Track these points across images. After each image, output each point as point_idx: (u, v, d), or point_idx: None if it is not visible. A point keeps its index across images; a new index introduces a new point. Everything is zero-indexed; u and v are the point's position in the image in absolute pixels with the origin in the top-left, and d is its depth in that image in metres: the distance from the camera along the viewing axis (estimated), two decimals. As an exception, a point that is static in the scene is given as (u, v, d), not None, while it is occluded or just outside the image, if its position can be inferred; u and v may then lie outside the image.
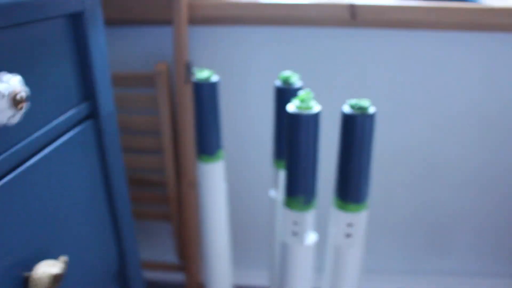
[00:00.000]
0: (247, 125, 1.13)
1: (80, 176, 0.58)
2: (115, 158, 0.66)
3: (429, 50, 1.04)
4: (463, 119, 1.11)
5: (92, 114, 0.62)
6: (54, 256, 0.51)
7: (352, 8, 0.96)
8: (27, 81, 0.46)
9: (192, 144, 1.07)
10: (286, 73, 0.69)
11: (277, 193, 0.77)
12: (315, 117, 0.53)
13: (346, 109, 0.54)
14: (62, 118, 0.54)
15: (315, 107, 0.53)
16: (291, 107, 0.54)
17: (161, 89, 1.00)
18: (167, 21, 1.00)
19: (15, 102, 0.40)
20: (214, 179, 0.77)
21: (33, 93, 0.47)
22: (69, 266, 0.54)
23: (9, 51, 0.44)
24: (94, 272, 0.63)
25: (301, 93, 0.53)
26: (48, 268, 0.47)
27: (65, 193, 0.54)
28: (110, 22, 1.01)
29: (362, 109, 0.53)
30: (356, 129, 0.53)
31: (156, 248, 1.31)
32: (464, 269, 1.29)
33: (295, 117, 0.53)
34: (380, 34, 1.03)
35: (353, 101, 0.53)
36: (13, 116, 0.41)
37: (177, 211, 1.14)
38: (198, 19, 1.01)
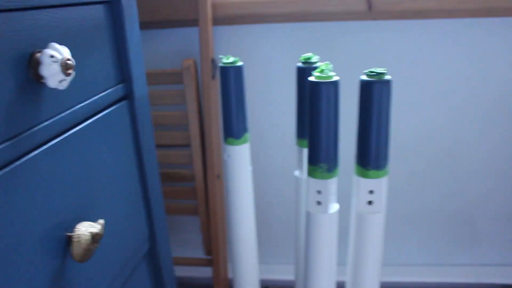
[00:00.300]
0: (270, 114, 1.17)
1: (115, 151, 0.63)
2: (147, 138, 0.71)
3: (444, 38, 1.07)
4: (481, 104, 1.12)
5: (127, 96, 0.66)
6: (92, 220, 0.55)
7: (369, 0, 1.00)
8: (73, 56, 0.51)
9: (218, 138, 1.12)
10: (307, 54, 0.73)
11: (302, 173, 0.81)
12: (335, 85, 0.56)
13: (364, 77, 0.58)
14: (101, 95, 0.59)
15: (335, 77, 0.57)
16: (312, 78, 0.58)
17: (188, 84, 1.05)
18: (193, 22, 1.06)
19: (65, 67, 0.45)
20: (240, 162, 0.81)
21: (77, 67, 0.52)
22: (104, 236, 0.58)
23: (58, 26, 0.49)
24: (126, 246, 0.67)
25: (321, 65, 0.57)
26: (88, 228, 0.51)
27: (102, 165, 0.59)
28: (140, 25, 1.07)
29: (379, 76, 0.56)
30: (373, 95, 0.57)
31: (184, 243, 1.35)
32: (488, 259, 1.29)
33: (315, 85, 0.56)
34: (396, 25, 1.06)
35: (370, 69, 0.57)
36: (63, 80, 0.46)
37: (205, 205, 1.18)
38: (221, 19, 1.07)
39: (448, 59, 1.09)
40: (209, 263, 1.25)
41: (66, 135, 0.51)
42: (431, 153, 1.18)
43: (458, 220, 1.25)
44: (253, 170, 1.14)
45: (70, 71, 0.46)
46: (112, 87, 0.62)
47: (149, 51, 1.13)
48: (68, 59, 0.45)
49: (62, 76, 0.45)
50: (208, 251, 1.24)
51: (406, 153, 1.19)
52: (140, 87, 0.69)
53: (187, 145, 1.13)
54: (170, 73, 1.07)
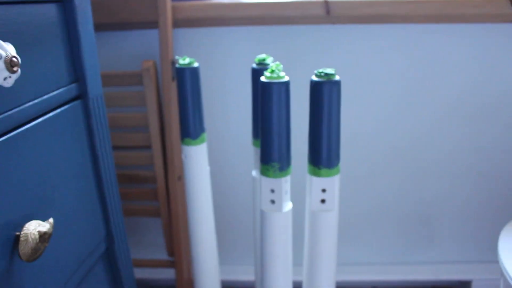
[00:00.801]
0: (227, 115, 1.18)
1: (69, 151, 0.62)
2: (103, 138, 0.70)
3: (398, 43, 1.10)
4: (449, 110, 1.16)
5: (81, 95, 0.66)
6: (42, 219, 0.54)
7: (327, 4, 1.02)
8: (20, 53, 0.50)
9: (179, 139, 1.11)
10: (261, 55, 0.74)
11: (259, 173, 0.81)
12: (285, 85, 0.57)
13: (314, 78, 0.59)
14: (52, 94, 0.58)
15: (285, 77, 0.58)
16: (263, 78, 0.59)
17: (148, 86, 1.05)
18: (152, 24, 1.06)
19: (10, 65, 0.45)
20: (197, 162, 0.81)
21: (25, 66, 0.52)
22: (56, 234, 0.57)
23: (4, 24, 0.48)
24: (81, 246, 0.66)
25: (271, 65, 0.58)
26: (37, 227, 0.50)
27: (54, 165, 0.58)
28: (98, 27, 1.06)
29: (328, 76, 0.58)
30: (323, 95, 0.58)
31: (146, 245, 1.34)
32: (446, 257, 1.33)
33: (266, 85, 0.57)
34: (354, 30, 1.09)
35: (320, 70, 0.58)
36: (8, 77, 0.45)
37: (167, 207, 1.17)
38: (180, 21, 1.07)
39: (403, 62, 1.12)
40: (171, 264, 1.24)
41: (14, 133, 0.50)
42: (387, 152, 1.21)
43: (415, 218, 1.28)
44: (212, 170, 1.15)
45: (15, 69, 0.45)
46: (64, 86, 0.61)
47: (108, 53, 1.12)
48: (14, 56, 0.45)
49: (6, 73, 0.45)
50: (171, 252, 1.23)
51: (361, 153, 1.21)
52: (95, 87, 0.68)
53: (148, 147, 1.13)
54: (130, 74, 1.06)
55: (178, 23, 1.07)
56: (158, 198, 1.16)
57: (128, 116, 1.11)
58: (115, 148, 1.15)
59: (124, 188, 1.18)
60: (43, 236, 0.50)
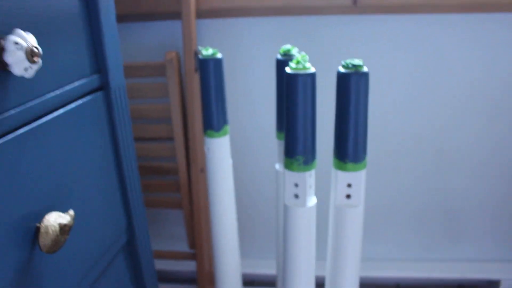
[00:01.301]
0: (251, 107, 1.17)
1: (90, 142, 0.61)
2: (125, 129, 0.70)
3: (430, 33, 1.06)
4: (471, 103, 1.12)
5: (103, 86, 0.65)
6: (63, 211, 0.54)
7: (353, -6, 0.99)
8: (41, 44, 0.50)
9: (201, 131, 1.10)
10: (286, 46, 0.72)
11: (282, 167, 0.80)
12: (311, 77, 0.56)
13: (340, 69, 0.57)
14: (73, 85, 0.58)
15: (311, 68, 0.56)
16: (288, 69, 0.57)
17: (171, 77, 1.04)
18: (175, 14, 1.05)
19: (31, 55, 0.44)
20: (220, 155, 0.80)
21: (46, 56, 0.51)
22: (77, 226, 0.57)
23: (25, 13, 0.47)
24: (102, 238, 0.65)
25: (297, 56, 0.56)
26: (57, 218, 0.50)
27: (76, 156, 0.57)
28: (121, 18, 1.06)
29: (356, 67, 0.55)
30: (350, 87, 0.56)
31: (168, 236, 1.34)
32: (478, 255, 1.29)
33: (292, 77, 0.56)
34: (381, 20, 1.05)
35: (347, 61, 0.56)
36: (29, 68, 0.44)
37: (189, 199, 1.17)
38: (204, 12, 1.05)
39: (434, 55, 1.08)
40: (193, 256, 1.24)
41: (35, 124, 0.49)
42: (416, 147, 1.18)
43: (441, 212, 1.25)
44: (235, 163, 1.13)
45: (36, 59, 0.44)
46: (86, 77, 0.61)
47: (131, 44, 1.12)
48: (34, 47, 0.44)
49: (27, 64, 0.44)
50: (192, 244, 1.23)
51: (383, 145, 1.18)
52: (117, 78, 0.67)
53: (170, 139, 1.12)
54: (152, 65, 1.05)
55: (201, 14, 1.06)
56: (180, 190, 1.16)
57: (150, 107, 1.10)
58: (137, 139, 1.15)
59: (146, 180, 1.19)
60: (63, 228, 0.49)
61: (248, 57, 1.12)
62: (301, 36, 1.09)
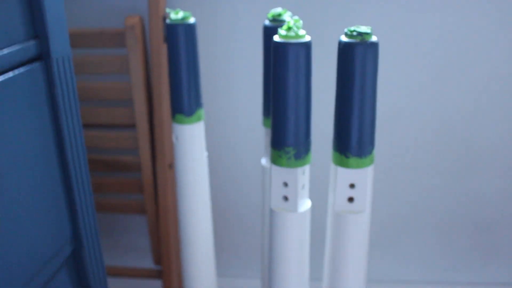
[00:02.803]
0: (233, 86, 1.15)
1: (24, 127, 0.60)
2: (70, 111, 0.68)
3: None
4: (501, 95, 1.12)
5: (41, 55, 0.64)
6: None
7: None
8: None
9: (170, 116, 1.09)
10: (276, 9, 0.71)
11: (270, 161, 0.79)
12: (305, 47, 0.54)
13: (343, 38, 0.56)
14: (2, 52, 0.56)
15: (306, 37, 0.55)
16: (277, 37, 0.56)
17: (133, 48, 1.02)
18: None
19: None
20: (192, 146, 0.79)
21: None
22: (5, 232, 0.55)
23: None
24: (39, 251, 0.64)
25: (289, 21, 0.55)
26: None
27: (4, 142, 0.56)
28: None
29: (362, 36, 0.54)
30: (355, 61, 0.55)
31: (128, 249, 1.33)
32: (508, 277, 1.30)
33: (280, 46, 0.54)
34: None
35: (351, 28, 0.55)
36: None
37: (154, 202, 1.16)
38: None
39: (459, 24, 1.07)
40: (158, 274, 1.23)
41: None
42: (438, 141, 1.17)
43: (468, 224, 1.25)
44: (211, 157, 1.13)
45: None
46: (18, 43, 0.59)
47: (84, 6, 1.10)
48: None
49: None
50: (158, 259, 1.22)
51: (397, 137, 1.17)
52: (60, 46, 0.66)
53: (132, 126, 1.11)
54: (109, 33, 1.03)
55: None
56: (143, 190, 1.15)
57: (107, 86, 1.08)
58: (90, 126, 1.13)
59: (100, 177, 1.17)
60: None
61: (229, 24, 1.10)
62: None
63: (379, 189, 1.20)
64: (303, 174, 0.62)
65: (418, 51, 1.10)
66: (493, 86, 1.12)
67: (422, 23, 1.08)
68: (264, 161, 0.81)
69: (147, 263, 1.26)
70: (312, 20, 1.06)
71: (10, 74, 0.57)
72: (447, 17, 1.07)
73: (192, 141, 0.79)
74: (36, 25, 0.62)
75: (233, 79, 1.15)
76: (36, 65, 0.62)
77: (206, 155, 0.81)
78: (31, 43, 0.61)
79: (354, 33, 0.55)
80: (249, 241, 1.29)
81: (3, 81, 0.56)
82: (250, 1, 1.08)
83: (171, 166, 1.13)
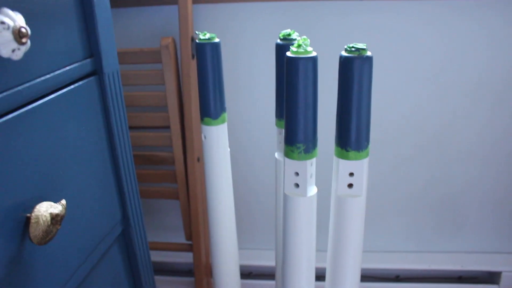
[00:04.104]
0: (250, 94, 1.15)
1: (83, 129, 0.60)
2: (119, 116, 0.68)
3: (436, 19, 1.04)
4: (476, 92, 1.10)
5: (96, 71, 0.64)
6: (55, 201, 0.52)
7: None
8: (30, 25, 0.48)
9: (198, 119, 1.09)
10: (286, 30, 0.70)
11: (282, 155, 0.78)
12: (313, 61, 0.54)
13: (343, 53, 0.55)
14: (65, 69, 0.56)
15: (313, 52, 0.55)
16: (289, 53, 0.55)
17: (167, 63, 1.02)
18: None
19: (19, 35, 0.42)
20: (217, 143, 0.78)
21: (36, 38, 0.49)
22: (69, 216, 0.56)
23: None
24: (96, 229, 0.64)
25: (298, 39, 0.55)
26: (48, 208, 0.48)
27: (68, 144, 0.56)
28: (116, 2, 1.04)
29: (359, 51, 0.54)
30: (353, 72, 0.54)
31: (164, 228, 1.33)
32: (479, 246, 1.28)
33: (292, 61, 0.54)
34: (386, 5, 1.03)
35: (350, 44, 0.54)
36: (17, 49, 0.43)
37: (185, 189, 1.16)
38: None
39: (440, 41, 1.06)
40: (189, 248, 1.23)
41: (24, 109, 0.48)
42: (417, 137, 1.17)
43: (443, 206, 1.24)
44: (233, 152, 1.12)
45: (24, 40, 0.43)
46: (78, 61, 0.59)
47: (126, 30, 1.10)
48: (22, 27, 0.42)
49: (15, 45, 0.42)
50: (189, 236, 1.22)
51: (391, 137, 1.17)
52: (110, 63, 0.66)
53: (166, 127, 1.11)
54: (148, 51, 1.03)
55: (197, -1, 1.04)
56: (176, 180, 1.15)
57: (146, 95, 1.08)
58: (133, 128, 1.13)
59: (142, 169, 1.17)
60: (55, 218, 0.48)
61: (246, 42, 1.10)
62: (302, 21, 1.07)
63: (372, 177, 1.19)
64: (311, 166, 0.61)
65: (406, 64, 1.09)
66: (462, 94, 1.11)
67: (412, 40, 1.07)
68: (277, 155, 0.81)
69: (181, 238, 1.26)
70: (318, 38, 1.06)
71: (71, 87, 0.57)
72: (433, 37, 1.06)
73: (217, 140, 0.78)
74: (91, 46, 0.62)
75: (250, 87, 1.15)
76: (91, 80, 0.62)
77: (229, 151, 0.80)
78: (88, 61, 0.61)
79: (353, 49, 0.54)
80: (265, 220, 1.29)
81: (66, 93, 0.56)
82: (264, 24, 1.08)
83: (199, 159, 1.13)
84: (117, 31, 1.10)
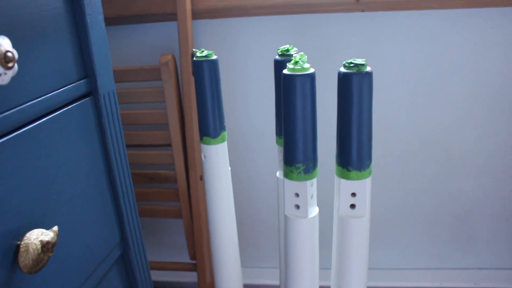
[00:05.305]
0: (251, 111, 1.14)
1: (78, 152, 0.59)
2: (116, 136, 0.67)
3: (435, 30, 1.03)
4: (479, 102, 1.08)
5: (91, 92, 0.63)
6: (47, 227, 0.51)
7: (356, -9, 0.96)
8: (19, 48, 0.47)
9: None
10: (285, 46, 0.69)
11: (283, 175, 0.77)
12: (310, 77, 0.52)
13: (342, 69, 0.54)
14: (58, 91, 0.55)
15: (310, 69, 0.53)
16: (285, 70, 0.54)
17: (167, 81, 1.01)
18: (171, 16, 1.02)
19: (4, 60, 0.41)
20: (217, 163, 0.77)
21: (25, 61, 0.48)
22: (64, 242, 0.55)
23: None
24: (93, 254, 0.63)
25: (295, 56, 0.53)
26: (39, 235, 0.47)
27: (62, 167, 0.55)
28: (114, 20, 1.03)
29: (358, 67, 0.52)
30: (352, 88, 0.53)
31: (168, 247, 1.31)
32: (492, 263, 1.25)
33: (289, 78, 0.53)
34: (384, 17, 1.02)
35: (349, 60, 0.53)
36: (3, 74, 0.42)
37: (188, 207, 1.14)
38: (200, 12, 1.03)
39: (440, 52, 1.05)
40: (194, 267, 1.21)
41: (14, 134, 0.47)
42: (426, 152, 1.15)
43: (455, 221, 1.21)
44: (235, 171, 1.11)
45: (10, 64, 0.42)
46: (72, 83, 0.58)
47: (125, 47, 1.09)
48: (8, 51, 0.41)
49: (1, 70, 0.41)
50: (193, 255, 1.20)
51: (389, 147, 1.15)
52: (106, 83, 0.65)
53: (168, 145, 1.10)
54: (148, 69, 1.03)
55: (197, 14, 1.03)
56: (179, 198, 1.13)
57: (147, 112, 1.08)
58: (134, 146, 1.12)
59: (144, 188, 1.16)
60: (46, 245, 0.47)
61: (247, 59, 1.09)
62: (301, 35, 1.06)
63: (377, 191, 1.17)
64: (311, 186, 0.60)
65: (404, 78, 1.08)
66: (465, 104, 1.09)
67: (413, 51, 1.05)
68: (278, 174, 0.79)
69: (185, 258, 1.24)
70: (315, 55, 1.05)
71: (65, 109, 0.56)
72: (428, 51, 1.05)
73: (217, 159, 0.77)
74: (86, 67, 0.62)
75: (250, 105, 1.14)
76: (87, 100, 0.61)
77: (229, 170, 0.79)
78: (82, 82, 0.61)
79: (351, 65, 0.53)
80: (270, 238, 1.27)
81: (60, 115, 0.55)
82: (262, 40, 1.07)
83: (202, 178, 1.11)
84: (116, 49, 1.10)
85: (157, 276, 1.32)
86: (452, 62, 1.05)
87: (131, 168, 1.11)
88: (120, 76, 1.04)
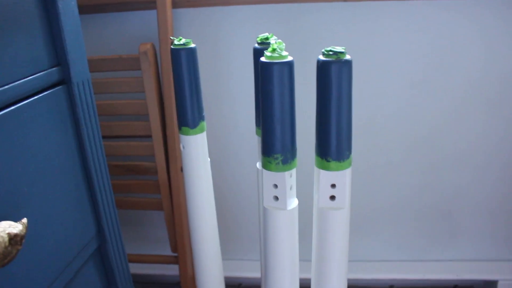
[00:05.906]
0: (231, 101, 1.13)
1: (50, 141, 0.57)
2: (91, 127, 0.66)
3: (420, 21, 1.02)
4: (470, 98, 1.08)
5: (64, 80, 0.61)
6: (18, 220, 0.50)
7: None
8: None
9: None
10: (264, 34, 0.68)
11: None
12: (288, 65, 0.51)
13: (321, 57, 0.53)
14: (29, 79, 0.54)
15: (288, 57, 0.52)
16: (263, 58, 0.53)
17: (146, 70, 1.00)
18: (150, 4, 1.00)
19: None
20: (196, 153, 0.76)
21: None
22: (35, 235, 0.53)
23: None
24: (68, 247, 0.62)
25: (273, 44, 0.52)
26: (6, 228, 0.46)
27: (33, 158, 0.53)
28: (92, 8, 1.01)
29: (337, 55, 0.52)
30: (331, 76, 0.52)
31: (150, 239, 1.30)
32: (475, 255, 1.26)
33: (266, 66, 0.51)
34: (367, 7, 1.02)
35: (328, 48, 0.52)
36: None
37: (169, 199, 1.13)
38: (181, 1, 1.01)
39: (426, 44, 1.04)
40: (175, 260, 1.20)
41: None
42: (404, 141, 1.14)
43: (436, 213, 1.22)
44: (215, 162, 1.10)
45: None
46: (43, 70, 0.57)
47: (104, 36, 1.07)
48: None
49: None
50: (175, 248, 1.19)
51: (375, 142, 1.15)
52: (80, 71, 0.63)
53: (148, 136, 1.08)
54: (126, 58, 1.01)
55: (178, 3, 1.02)
56: (160, 190, 1.12)
57: (126, 103, 1.06)
58: (114, 137, 1.11)
59: (124, 180, 1.15)
60: (14, 238, 0.45)
61: (228, 48, 1.08)
62: (283, 25, 1.05)
63: (363, 185, 1.17)
64: (290, 177, 0.59)
65: (389, 67, 1.07)
66: (455, 99, 1.09)
67: (399, 42, 1.05)
68: (259, 165, 0.78)
69: (166, 251, 1.23)
70: (297, 45, 1.04)
71: (36, 97, 0.55)
72: (421, 38, 1.04)
73: (196, 150, 0.76)
74: (58, 54, 0.60)
75: (231, 95, 1.13)
76: (59, 89, 0.60)
77: (209, 161, 0.78)
78: (54, 70, 0.59)
79: (330, 53, 0.52)
80: (249, 232, 1.27)
81: (30, 103, 0.54)
82: (243, 30, 1.06)
83: (182, 169, 1.10)
84: (95, 38, 1.08)
85: (139, 269, 1.31)
86: (439, 56, 1.05)
87: (111, 159, 1.10)
88: (98, 65, 1.02)
